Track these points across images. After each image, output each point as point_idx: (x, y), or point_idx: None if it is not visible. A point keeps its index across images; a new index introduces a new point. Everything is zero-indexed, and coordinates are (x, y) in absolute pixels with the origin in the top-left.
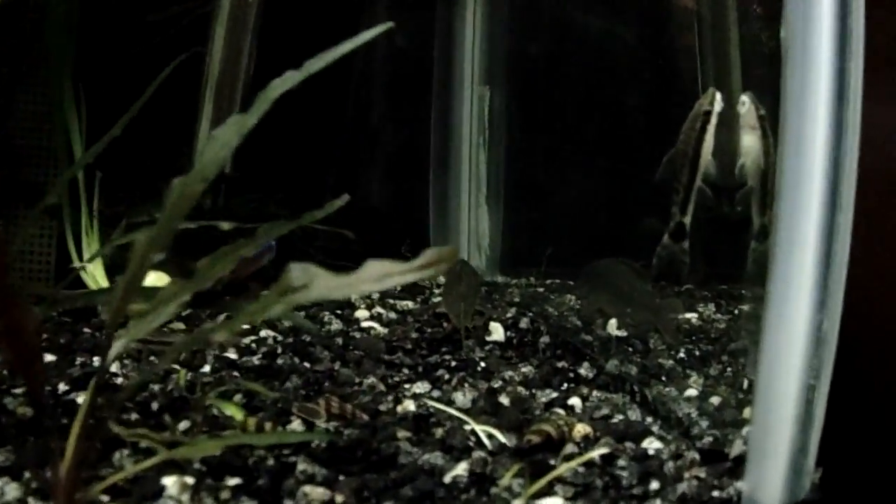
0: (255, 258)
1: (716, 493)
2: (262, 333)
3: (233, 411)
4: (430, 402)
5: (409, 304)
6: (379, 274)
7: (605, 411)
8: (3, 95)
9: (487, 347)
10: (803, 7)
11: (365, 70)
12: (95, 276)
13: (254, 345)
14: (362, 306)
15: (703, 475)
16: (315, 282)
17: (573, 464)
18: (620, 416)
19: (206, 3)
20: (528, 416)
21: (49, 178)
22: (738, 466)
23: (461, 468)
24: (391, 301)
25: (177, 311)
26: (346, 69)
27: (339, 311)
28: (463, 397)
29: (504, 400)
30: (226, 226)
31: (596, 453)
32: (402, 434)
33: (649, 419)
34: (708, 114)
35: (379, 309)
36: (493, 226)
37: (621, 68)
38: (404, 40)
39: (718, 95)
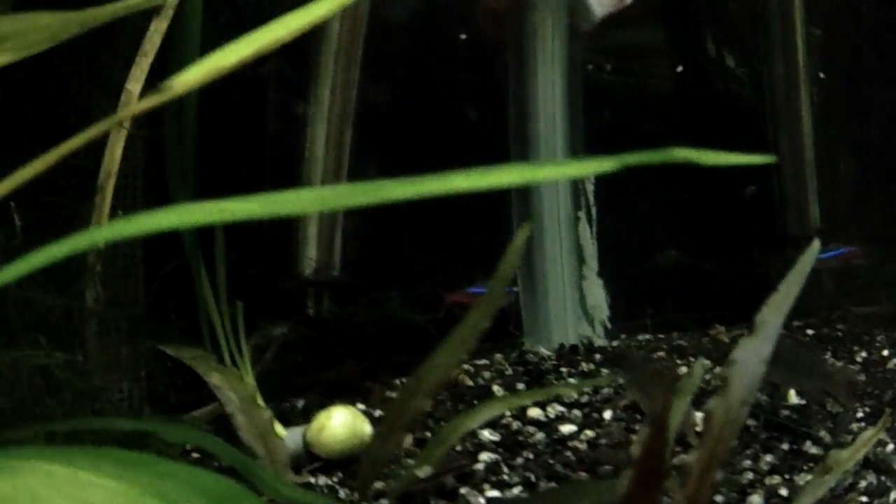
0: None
1: None
2: (483, 457)
3: None
4: None
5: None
6: None
7: None
8: None
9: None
10: None
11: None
12: None
13: (497, 480)
14: (531, 405)
15: None
16: None
17: None
18: None
19: None
20: None
21: None
22: None
23: None
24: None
25: None
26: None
27: (514, 417)
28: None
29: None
30: None
31: None
32: None
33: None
34: None
35: (551, 410)
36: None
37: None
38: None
39: None
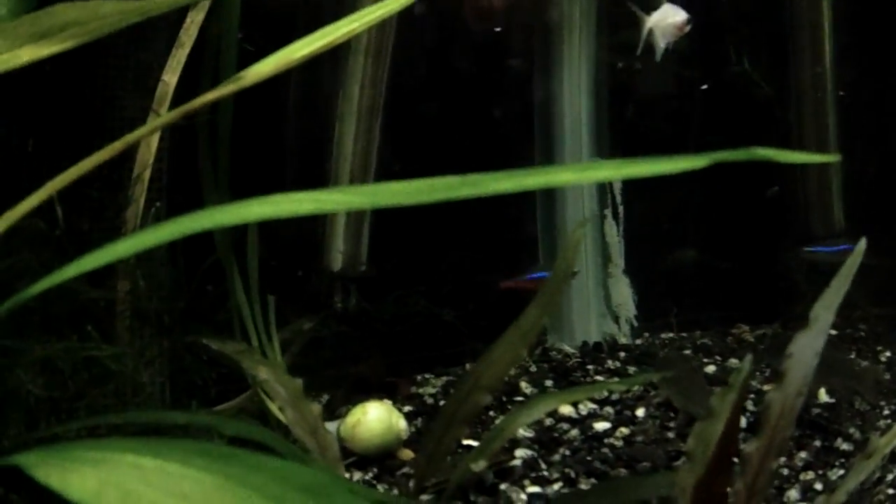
0: (535, 282)
1: None
2: (519, 453)
3: None
4: None
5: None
6: None
7: None
8: None
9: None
10: None
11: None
12: None
13: (537, 476)
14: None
15: None
16: None
17: None
18: None
19: None
20: None
21: None
22: None
23: None
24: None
25: None
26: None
27: (547, 414)
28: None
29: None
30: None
31: None
32: None
33: None
34: None
35: (582, 407)
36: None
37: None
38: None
39: None
